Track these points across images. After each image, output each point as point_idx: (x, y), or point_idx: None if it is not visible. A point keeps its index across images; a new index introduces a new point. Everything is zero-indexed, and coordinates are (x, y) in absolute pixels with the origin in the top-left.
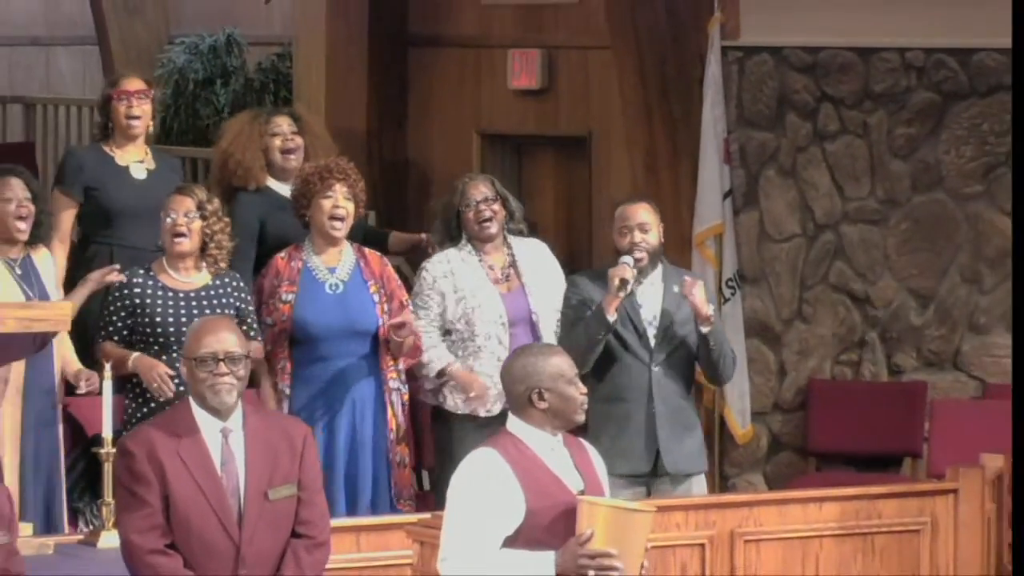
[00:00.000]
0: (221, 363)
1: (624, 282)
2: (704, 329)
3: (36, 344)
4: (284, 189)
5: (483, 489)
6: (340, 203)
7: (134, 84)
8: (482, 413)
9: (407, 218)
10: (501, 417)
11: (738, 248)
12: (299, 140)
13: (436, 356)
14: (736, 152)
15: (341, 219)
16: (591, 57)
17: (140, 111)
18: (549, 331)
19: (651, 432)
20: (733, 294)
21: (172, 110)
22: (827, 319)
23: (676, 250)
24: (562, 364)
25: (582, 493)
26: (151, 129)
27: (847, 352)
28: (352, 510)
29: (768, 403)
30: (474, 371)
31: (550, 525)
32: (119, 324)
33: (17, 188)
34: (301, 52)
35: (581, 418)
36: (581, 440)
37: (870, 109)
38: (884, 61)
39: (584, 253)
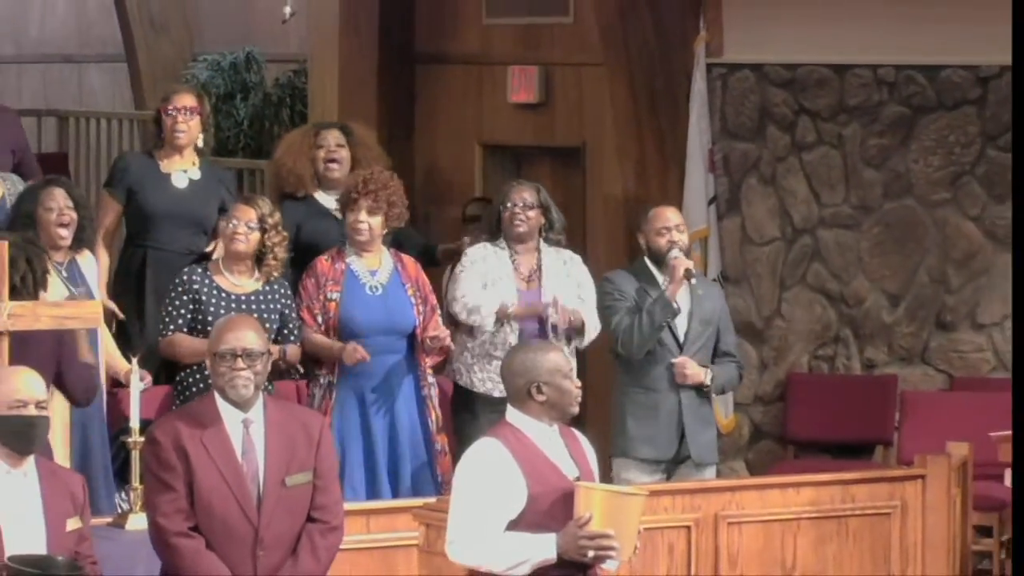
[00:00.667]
0: (239, 359)
1: (688, 271)
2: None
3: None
4: (326, 199)
5: (487, 476)
6: (361, 218)
7: (183, 100)
8: (496, 394)
9: (415, 221)
10: None
11: (722, 251)
12: (343, 152)
13: (486, 305)
14: (720, 161)
15: (362, 232)
16: (585, 73)
17: (185, 125)
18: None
19: (678, 421)
20: None
21: None
22: (805, 317)
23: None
24: (559, 360)
25: (578, 479)
26: (200, 142)
27: (823, 347)
28: (396, 497)
29: (750, 395)
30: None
31: (550, 509)
32: (187, 315)
33: (59, 197)
34: (316, 68)
35: (575, 410)
36: (574, 430)
37: (845, 122)
38: (858, 77)
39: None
